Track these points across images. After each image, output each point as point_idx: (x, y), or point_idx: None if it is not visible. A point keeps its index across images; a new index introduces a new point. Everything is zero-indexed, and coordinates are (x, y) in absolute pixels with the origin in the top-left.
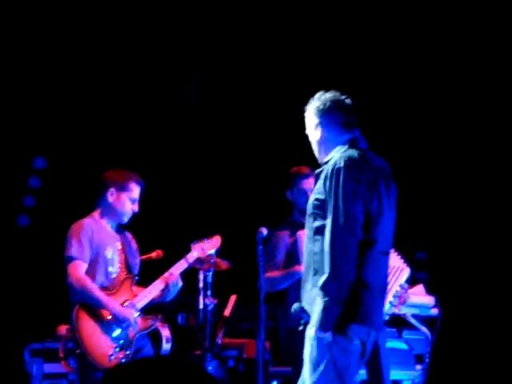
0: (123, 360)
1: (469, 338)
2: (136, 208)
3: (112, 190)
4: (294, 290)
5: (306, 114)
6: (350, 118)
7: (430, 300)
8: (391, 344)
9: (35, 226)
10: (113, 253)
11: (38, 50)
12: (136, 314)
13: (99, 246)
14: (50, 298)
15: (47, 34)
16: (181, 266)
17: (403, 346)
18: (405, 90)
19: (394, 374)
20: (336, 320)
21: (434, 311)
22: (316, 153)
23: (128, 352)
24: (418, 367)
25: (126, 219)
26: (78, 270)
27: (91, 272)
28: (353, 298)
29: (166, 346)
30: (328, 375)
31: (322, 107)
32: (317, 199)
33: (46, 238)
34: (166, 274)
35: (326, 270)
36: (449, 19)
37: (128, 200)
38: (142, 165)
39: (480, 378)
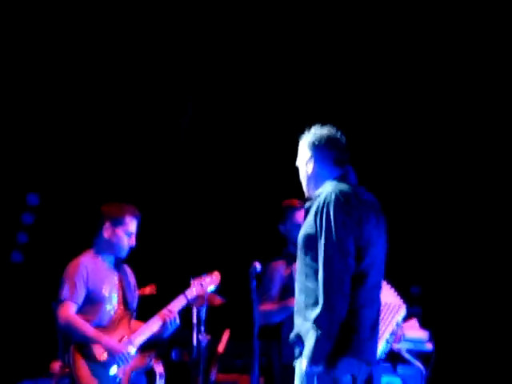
0: None
1: (463, 372)
2: (133, 242)
3: (107, 224)
4: (289, 324)
5: (300, 147)
6: (342, 155)
7: (424, 334)
8: (386, 379)
9: (28, 262)
10: (110, 290)
11: (25, 89)
12: (133, 351)
13: (95, 285)
14: (43, 334)
15: (31, 66)
16: (179, 302)
17: (398, 381)
18: (393, 125)
19: None
20: (327, 354)
21: (428, 346)
22: (304, 186)
23: None
24: None
25: (123, 254)
26: (67, 310)
27: (88, 311)
28: (345, 331)
29: (160, 383)
30: None
31: (316, 142)
32: (307, 233)
33: (39, 275)
34: (165, 311)
35: (320, 303)
36: (439, 34)
37: (124, 234)
38: (137, 198)
39: None
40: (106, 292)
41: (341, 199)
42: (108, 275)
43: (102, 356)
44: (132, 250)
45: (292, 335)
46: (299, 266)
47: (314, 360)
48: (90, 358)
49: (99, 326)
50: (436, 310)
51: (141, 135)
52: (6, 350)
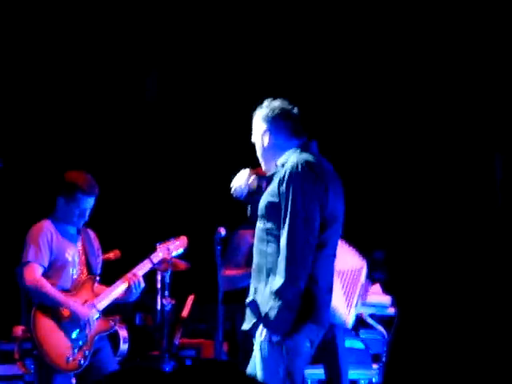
0: (82, 361)
1: (424, 337)
2: (85, 217)
3: (60, 199)
4: None
5: (254, 121)
6: (297, 125)
7: (386, 299)
8: (348, 343)
9: None
10: (73, 254)
11: None
12: (96, 315)
13: (59, 249)
14: (5, 299)
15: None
16: (145, 266)
17: (360, 345)
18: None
19: (351, 374)
20: (288, 324)
21: (391, 310)
22: (261, 159)
23: (87, 353)
24: (375, 366)
25: (79, 225)
26: (34, 272)
27: (52, 275)
28: (304, 299)
29: (124, 347)
30: (278, 377)
31: (270, 114)
32: (270, 201)
33: (2, 237)
34: (129, 275)
35: (282, 274)
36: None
37: (76, 210)
38: (104, 164)
39: (435, 376)
40: (69, 256)
41: (306, 169)
42: (71, 240)
43: (66, 319)
44: (94, 214)
45: (248, 301)
46: (259, 233)
47: (275, 330)
48: (53, 321)
49: (62, 290)
50: (399, 275)
51: (105, 101)
52: None
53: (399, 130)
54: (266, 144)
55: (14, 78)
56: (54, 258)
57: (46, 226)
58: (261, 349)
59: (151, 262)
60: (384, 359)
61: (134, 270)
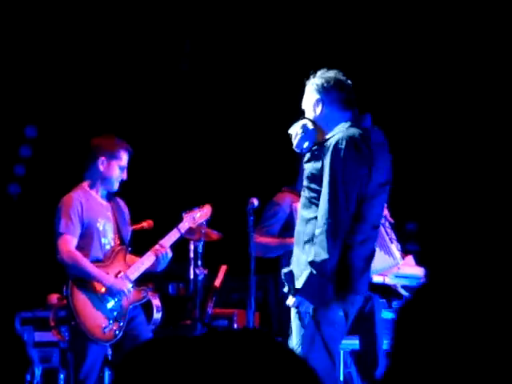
0: (117, 332)
1: (458, 309)
2: (125, 176)
3: (102, 158)
4: (287, 260)
5: (306, 89)
6: (351, 97)
7: (420, 271)
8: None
9: (26, 194)
10: (104, 224)
11: (26, 21)
12: (130, 286)
13: (90, 219)
14: (40, 267)
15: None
16: (172, 236)
17: (393, 316)
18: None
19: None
20: (323, 295)
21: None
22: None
23: (122, 323)
24: None
25: (115, 187)
26: (68, 245)
27: (84, 246)
28: (341, 268)
29: (157, 316)
30: (314, 346)
31: (325, 84)
32: (313, 173)
33: (36, 208)
34: (157, 246)
35: (317, 246)
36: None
37: (118, 168)
38: (134, 134)
39: (468, 346)
40: (100, 226)
41: (350, 145)
42: (102, 209)
43: (101, 291)
44: (123, 183)
45: (285, 270)
46: (303, 200)
47: (309, 298)
48: (89, 291)
49: (96, 261)
50: (432, 247)
51: (139, 68)
52: (4, 283)
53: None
54: (318, 113)
55: (45, 46)
56: (85, 229)
57: (76, 197)
58: (295, 318)
59: (179, 231)
60: None
61: (162, 242)
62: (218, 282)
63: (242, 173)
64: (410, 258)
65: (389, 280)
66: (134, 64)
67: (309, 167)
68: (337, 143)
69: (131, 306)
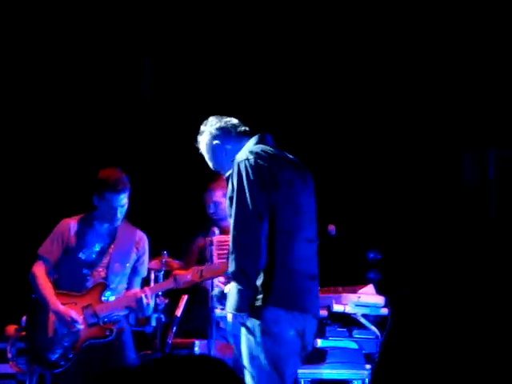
0: (62, 362)
1: (417, 337)
2: (117, 215)
3: (95, 197)
4: None
5: (202, 149)
6: (241, 127)
7: (380, 300)
8: (341, 343)
9: None
10: (91, 255)
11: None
12: (92, 321)
13: (75, 247)
14: None
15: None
16: (164, 285)
17: (353, 345)
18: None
19: (344, 374)
20: (243, 303)
21: (384, 311)
22: (224, 174)
23: (70, 356)
24: (368, 366)
25: (113, 223)
26: (36, 265)
27: (61, 271)
28: (278, 283)
29: None
30: (256, 363)
31: (213, 131)
32: (229, 197)
33: None
34: (140, 291)
35: (231, 263)
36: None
37: (107, 208)
38: (94, 165)
39: (427, 378)
40: (84, 255)
41: (252, 159)
42: (96, 240)
43: (54, 317)
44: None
45: (216, 291)
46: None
47: (237, 308)
48: (46, 314)
49: (71, 289)
50: (393, 276)
51: (101, 97)
52: None
53: (395, 129)
54: (223, 157)
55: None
56: (66, 256)
57: (66, 222)
58: (242, 335)
59: (175, 282)
60: (377, 359)
61: (149, 288)
62: (178, 312)
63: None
64: (370, 287)
65: (349, 309)
66: (96, 92)
67: (227, 195)
68: (239, 160)
69: (89, 341)
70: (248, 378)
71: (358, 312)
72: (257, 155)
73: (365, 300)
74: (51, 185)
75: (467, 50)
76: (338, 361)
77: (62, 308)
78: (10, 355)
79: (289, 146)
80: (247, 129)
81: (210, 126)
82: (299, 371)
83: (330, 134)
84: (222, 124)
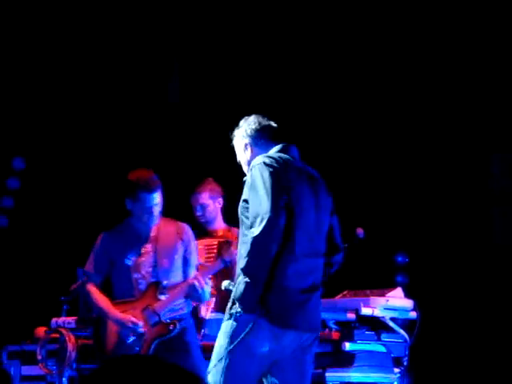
0: None
1: (447, 341)
2: (155, 213)
3: (128, 200)
4: None
5: (235, 142)
6: (275, 134)
7: (408, 303)
8: (369, 347)
9: (14, 227)
10: (135, 259)
11: (15, 51)
12: (154, 320)
13: (118, 257)
14: (28, 300)
15: (20, 36)
16: (215, 266)
17: (381, 348)
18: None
19: (372, 378)
20: (249, 299)
21: (413, 314)
22: (244, 171)
23: None
24: (396, 370)
25: (150, 223)
26: (87, 284)
27: (114, 282)
28: (268, 297)
29: None
30: (220, 368)
31: (248, 129)
32: (241, 205)
33: (24, 240)
34: (191, 278)
35: (241, 263)
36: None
37: (141, 209)
38: (120, 165)
39: (457, 380)
40: (130, 261)
41: (266, 162)
42: (137, 243)
43: (116, 327)
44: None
45: (226, 283)
46: (240, 238)
47: (242, 301)
48: (110, 327)
49: (127, 296)
50: (421, 279)
51: (128, 100)
52: None
53: (424, 133)
54: (249, 157)
55: (35, 78)
56: (113, 266)
57: (105, 234)
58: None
59: (223, 261)
60: (405, 363)
61: (198, 272)
62: (207, 314)
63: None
64: (398, 290)
65: (377, 312)
66: (123, 95)
67: (241, 200)
68: (252, 165)
69: (156, 341)
70: (209, 377)
71: (387, 315)
72: (269, 159)
73: (393, 303)
74: (83, 190)
75: (494, 53)
76: (366, 364)
77: (120, 315)
78: (39, 357)
79: (318, 151)
80: (279, 137)
81: (248, 124)
82: (327, 374)
83: (359, 139)
84: (258, 126)
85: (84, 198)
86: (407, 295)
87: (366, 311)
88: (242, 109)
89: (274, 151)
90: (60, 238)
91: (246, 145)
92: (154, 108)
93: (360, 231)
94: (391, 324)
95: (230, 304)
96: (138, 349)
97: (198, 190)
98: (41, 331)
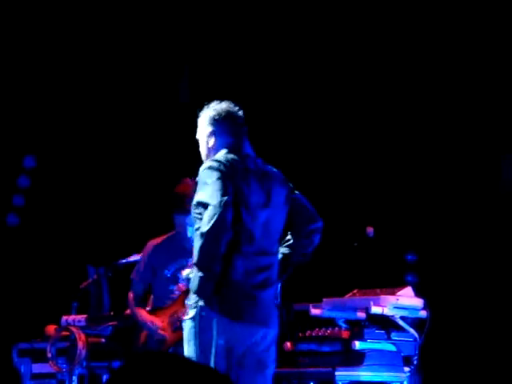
0: None
1: (457, 340)
2: None
3: (176, 214)
4: None
5: (200, 121)
6: (240, 128)
7: (418, 302)
8: (379, 346)
9: (24, 225)
10: (175, 271)
11: (26, 49)
12: (176, 326)
13: (158, 267)
14: (38, 298)
15: (35, 33)
16: None
17: (391, 347)
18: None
19: (382, 377)
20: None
21: (423, 313)
22: (204, 157)
23: None
24: (406, 369)
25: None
26: (131, 290)
27: (153, 290)
28: (220, 290)
29: None
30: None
31: (217, 117)
32: (195, 205)
33: (35, 238)
34: None
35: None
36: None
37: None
38: (130, 164)
39: (467, 380)
40: (169, 273)
41: (213, 166)
42: (178, 255)
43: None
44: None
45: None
46: (194, 234)
47: (199, 292)
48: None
49: (161, 303)
50: (431, 278)
51: (139, 99)
52: (1, 314)
53: (434, 131)
54: (210, 145)
55: (46, 76)
56: (154, 276)
57: (151, 244)
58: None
59: None
60: (415, 362)
61: None
62: None
63: None
64: (408, 289)
65: (387, 311)
66: (134, 94)
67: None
68: (202, 169)
69: (174, 346)
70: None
71: (397, 314)
72: (217, 162)
73: (403, 302)
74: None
75: (504, 53)
76: (376, 363)
77: (147, 318)
78: (49, 355)
79: (329, 150)
80: (244, 131)
81: (218, 112)
82: (337, 373)
83: (369, 138)
84: (227, 116)
85: (94, 196)
86: (417, 294)
87: (375, 310)
88: (251, 108)
89: (222, 153)
90: (70, 236)
91: (210, 132)
92: (165, 108)
93: (370, 230)
94: (401, 323)
95: (189, 296)
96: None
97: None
98: (51, 329)
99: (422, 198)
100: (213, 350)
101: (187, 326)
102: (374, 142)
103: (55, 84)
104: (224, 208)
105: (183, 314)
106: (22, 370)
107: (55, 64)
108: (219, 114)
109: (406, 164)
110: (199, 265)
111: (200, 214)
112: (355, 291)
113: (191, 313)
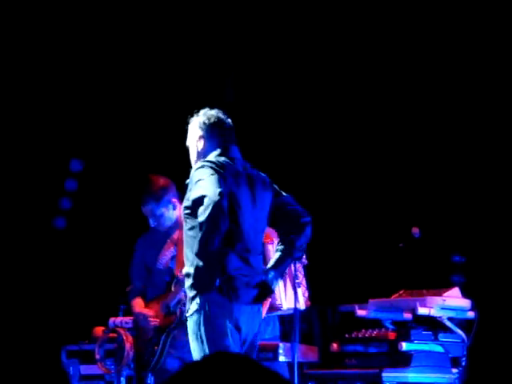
0: (150, 358)
1: (505, 341)
2: (159, 219)
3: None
4: None
5: (190, 127)
6: (229, 134)
7: (466, 303)
8: (427, 347)
9: (71, 228)
10: (165, 262)
11: (75, 54)
12: (148, 313)
13: (151, 262)
14: (86, 300)
15: (93, 41)
16: None
17: (439, 349)
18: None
19: (430, 378)
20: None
21: (471, 314)
22: (193, 162)
23: (155, 349)
24: (454, 370)
25: (160, 228)
26: (130, 293)
27: (150, 285)
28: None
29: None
30: (199, 346)
31: (207, 122)
32: (186, 206)
33: (82, 241)
34: None
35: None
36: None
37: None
38: (177, 167)
39: None
40: (161, 265)
41: (206, 166)
42: (163, 248)
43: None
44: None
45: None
46: (184, 236)
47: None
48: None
49: (157, 294)
50: (479, 279)
51: (184, 102)
52: (50, 316)
53: (481, 133)
54: (199, 149)
55: (94, 81)
56: (149, 273)
57: (139, 242)
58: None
59: None
60: (463, 363)
61: None
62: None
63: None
64: (456, 290)
65: (434, 312)
66: (179, 97)
67: (184, 202)
68: (195, 169)
69: (168, 329)
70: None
71: (444, 315)
72: (211, 164)
73: (450, 303)
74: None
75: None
76: (424, 364)
77: (139, 309)
78: (98, 356)
79: (377, 152)
80: (232, 138)
81: (208, 117)
82: (384, 374)
83: (414, 137)
84: (217, 123)
85: (140, 198)
86: (464, 295)
87: (422, 311)
88: (291, 108)
89: (213, 155)
90: (117, 238)
91: (200, 136)
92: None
93: (416, 231)
94: (448, 324)
95: (188, 284)
96: (154, 340)
97: None
98: (99, 331)
99: (468, 197)
100: (228, 332)
101: (192, 320)
102: (422, 142)
103: (103, 88)
104: (220, 197)
105: (170, 299)
106: (71, 372)
107: (103, 68)
108: (208, 119)
109: (453, 164)
110: (199, 255)
111: (191, 214)
112: (401, 292)
113: (193, 307)
